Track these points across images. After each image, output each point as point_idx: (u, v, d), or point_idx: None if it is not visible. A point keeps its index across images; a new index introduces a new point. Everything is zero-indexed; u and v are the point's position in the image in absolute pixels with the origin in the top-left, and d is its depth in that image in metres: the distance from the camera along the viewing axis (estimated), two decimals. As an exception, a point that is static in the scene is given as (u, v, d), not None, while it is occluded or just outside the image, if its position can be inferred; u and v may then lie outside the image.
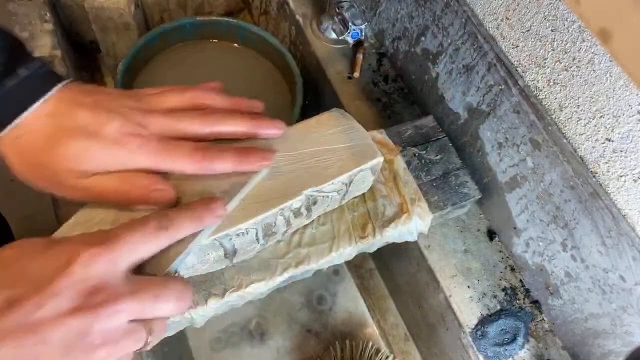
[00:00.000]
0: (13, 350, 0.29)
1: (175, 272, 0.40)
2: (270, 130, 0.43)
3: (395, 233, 0.53)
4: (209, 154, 0.40)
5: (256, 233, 0.45)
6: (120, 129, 0.38)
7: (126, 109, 0.39)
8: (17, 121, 0.37)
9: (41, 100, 0.37)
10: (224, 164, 0.40)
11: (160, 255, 0.37)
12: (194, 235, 0.39)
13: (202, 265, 0.45)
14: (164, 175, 0.40)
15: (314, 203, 0.47)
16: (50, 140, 0.37)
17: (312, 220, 0.51)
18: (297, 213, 0.47)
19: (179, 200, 0.41)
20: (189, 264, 0.44)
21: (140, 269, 0.36)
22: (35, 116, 0.37)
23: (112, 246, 0.33)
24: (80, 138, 0.37)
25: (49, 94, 0.38)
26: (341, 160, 0.46)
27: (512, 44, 0.50)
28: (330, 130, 0.49)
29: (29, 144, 0.37)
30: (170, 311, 0.35)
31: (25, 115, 0.37)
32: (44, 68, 0.39)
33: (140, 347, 0.34)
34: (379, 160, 0.48)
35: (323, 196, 0.47)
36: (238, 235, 0.44)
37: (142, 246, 0.34)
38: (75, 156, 0.37)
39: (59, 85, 0.38)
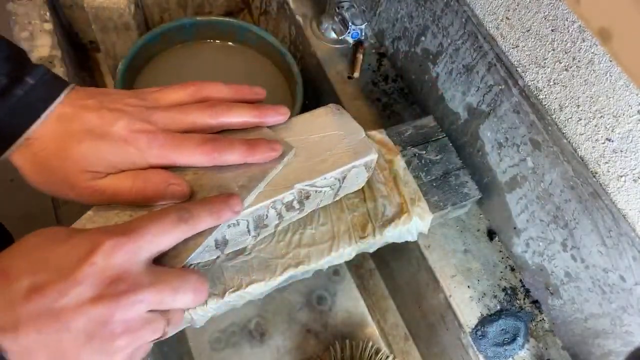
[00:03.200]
0: (36, 336, 0.29)
1: (191, 265, 0.41)
2: (275, 117, 0.44)
3: (395, 233, 0.53)
4: (218, 146, 0.40)
5: (247, 224, 0.45)
6: (128, 127, 0.38)
7: (131, 107, 0.39)
8: (30, 130, 0.37)
9: (51, 108, 0.38)
10: (233, 155, 0.40)
11: (178, 247, 0.37)
12: (212, 229, 0.39)
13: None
14: (181, 171, 0.41)
15: (307, 197, 0.47)
16: (60, 145, 0.37)
17: (312, 221, 0.52)
18: (289, 207, 0.47)
19: (195, 194, 0.41)
20: None
21: (158, 261, 0.36)
22: (44, 123, 0.37)
23: (134, 236, 0.33)
24: (89, 140, 0.37)
25: (58, 100, 0.38)
26: (335, 156, 0.46)
27: (512, 44, 0.50)
28: (325, 125, 0.49)
29: (40, 150, 0.37)
30: (188, 303, 0.35)
31: (38, 123, 0.37)
32: (48, 74, 0.39)
33: (158, 337, 0.35)
34: (373, 156, 0.48)
35: (316, 191, 0.47)
36: (229, 226, 0.44)
37: (162, 237, 0.34)
38: (86, 159, 0.37)
39: (66, 91, 0.39)
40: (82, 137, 0.37)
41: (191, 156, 0.39)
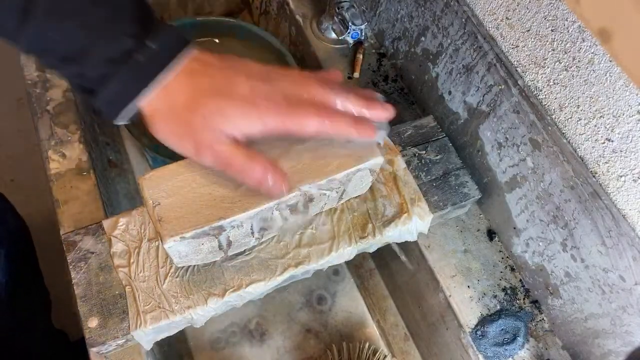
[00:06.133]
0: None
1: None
2: (383, 114, 0.44)
3: (395, 233, 0.53)
4: (330, 117, 0.41)
5: (251, 226, 0.45)
6: (252, 91, 0.40)
7: (254, 71, 0.41)
8: (160, 80, 0.39)
9: (177, 62, 0.39)
10: (341, 127, 0.42)
11: None
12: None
13: (195, 255, 0.45)
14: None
15: (311, 200, 0.47)
16: (190, 98, 0.39)
17: (312, 221, 0.52)
18: (293, 209, 0.47)
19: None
20: (182, 253, 0.44)
21: None
22: (177, 76, 0.39)
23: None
24: (217, 98, 0.39)
25: (183, 54, 0.40)
26: (340, 158, 0.46)
27: (512, 44, 0.50)
28: None
29: (170, 101, 0.39)
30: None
31: (168, 75, 0.39)
32: (177, 33, 0.40)
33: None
34: (378, 160, 0.48)
35: (320, 193, 0.47)
36: (233, 227, 0.44)
37: None
38: (214, 115, 0.39)
39: (191, 48, 0.40)
40: (211, 93, 0.39)
41: (306, 123, 0.40)
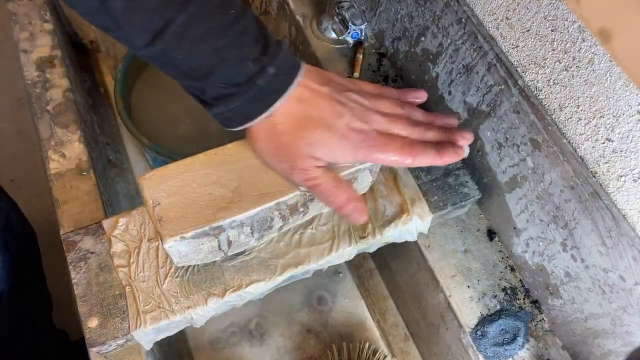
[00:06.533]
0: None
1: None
2: (461, 142, 0.46)
3: (395, 233, 0.53)
4: (414, 150, 0.43)
5: (251, 226, 0.45)
6: (349, 124, 0.42)
7: (354, 103, 0.44)
8: (272, 108, 0.41)
9: (286, 93, 0.41)
10: (425, 158, 0.44)
11: None
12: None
13: (195, 255, 0.45)
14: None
15: (311, 200, 0.47)
16: (298, 124, 0.42)
17: (313, 221, 0.52)
18: (293, 209, 0.47)
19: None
20: (182, 253, 0.44)
21: None
22: (287, 100, 0.42)
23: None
24: (321, 128, 0.42)
25: (297, 80, 0.42)
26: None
27: (512, 44, 0.50)
28: None
29: (278, 124, 0.42)
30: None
31: (277, 106, 0.41)
32: (287, 61, 0.42)
33: None
34: None
35: None
36: (233, 227, 0.44)
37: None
38: (316, 143, 0.42)
39: (299, 77, 0.42)
40: (317, 123, 0.42)
41: (391, 156, 0.43)
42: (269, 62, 0.40)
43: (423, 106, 0.48)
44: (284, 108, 0.42)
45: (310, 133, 0.42)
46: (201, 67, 0.40)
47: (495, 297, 0.56)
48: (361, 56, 0.68)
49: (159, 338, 0.49)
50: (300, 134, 0.42)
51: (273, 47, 0.41)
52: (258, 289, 0.49)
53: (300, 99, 0.42)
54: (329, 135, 0.42)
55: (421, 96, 0.49)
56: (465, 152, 0.46)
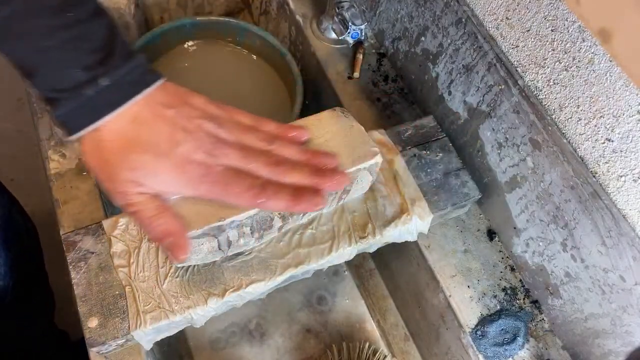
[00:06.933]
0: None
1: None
2: (330, 187, 0.44)
3: (395, 233, 0.53)
4: (265, 193, 0.40)
5: (251, 227, 0.45)
6: (188, 155, 0.39)
7: (202, 133, 0.40)
8: (100, 122, 0.38)
9: (127, 105, 0.38)
10: (277, 204, 0.41)
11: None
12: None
13: (195, 255, 0.45)
14: None
15: None
16: (125, 145, 0.39)
17: (312, 221, 0.52)
18: None
19: None
20: None
21: None
22: (120, 116, 0.38)
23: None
24: (150, 154, 0.39)
25: (135, 98, 0.39)
26: (339, 159, 0.46)
27: (512, 44, 0.50)
28: (330, 128, 0.49)
29: (107, 141, 0.39)
30: None
31: (109, 118, 0.38)
32: (140, 69, 0.39)
33: None
34: (377, 160, 0.48)
35: None
36: (232, 227, 0.44)
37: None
38: (140, 169, 0.39)
39: (147, 90, 0.39)
40: (147, 148, 0.39)
41: (237, 199, 0.40)
42: (104, 73, 0.37)
43: (423, 106, 0.48)
44: (114, 125, 0.38)
45: (135, 156, 0.38)
46: (25, 66, 0.38)
47: (495, 297, 0.56)
48: (361, 56, 0.68)
49: (159, 338, 0.49)
50: (124, 156, 0.39)
51: (117, 60, 0.38)
52: (258, 289, 0.49)
53: (136, 118, 0.39)
54: (159, 163, 0.39)
55: (303, 135, 0.46)
56: (330, 202, 0.43)
